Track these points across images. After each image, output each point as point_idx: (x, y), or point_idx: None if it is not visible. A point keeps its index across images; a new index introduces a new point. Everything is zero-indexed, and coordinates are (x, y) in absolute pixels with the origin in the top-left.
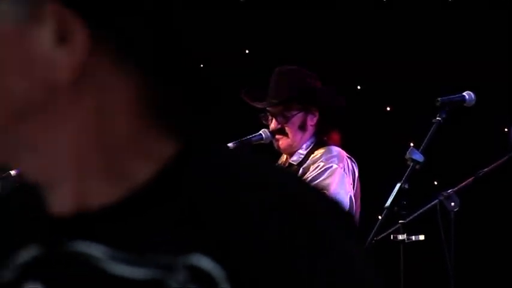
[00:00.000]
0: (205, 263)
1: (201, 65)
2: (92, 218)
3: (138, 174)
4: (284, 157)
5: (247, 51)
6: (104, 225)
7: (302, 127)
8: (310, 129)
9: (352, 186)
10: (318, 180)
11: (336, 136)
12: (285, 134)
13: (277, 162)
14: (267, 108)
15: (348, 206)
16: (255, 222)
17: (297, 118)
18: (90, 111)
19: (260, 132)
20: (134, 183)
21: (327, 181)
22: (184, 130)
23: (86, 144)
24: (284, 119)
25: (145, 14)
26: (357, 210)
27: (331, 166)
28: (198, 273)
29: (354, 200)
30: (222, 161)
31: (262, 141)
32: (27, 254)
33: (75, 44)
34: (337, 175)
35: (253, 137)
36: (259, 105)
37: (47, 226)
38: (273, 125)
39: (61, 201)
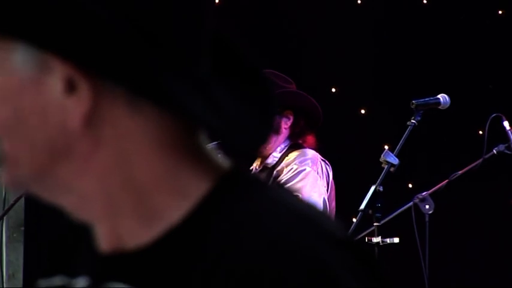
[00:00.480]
0: None
1: None
2: (126, 258)
3: (171, 213)
4: (259, 161)
5: None
6: (137, 267)
7: (276, 130)
8: (284, 132)
9: (326, 188)
10: (291, 183)
11: (311, 139)
12: None
13: (251, 165)
14: None
15: (322, 208)
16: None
17: None
18: (110, 155)
19: None
20: (168, 222)
21: (300, 184)
22: (215, 166)
23: (113, 186)
24: None
25: (147, 58)
26: (331, 213)
27: (305, 169)
28: None
29: (327, 203)
30: (249, 209)
31: None
32: (80, 283)
33: (81, 92)
34: (310, 178)
35: None
36: None
37: (95, 261)
38: None
39: (102, 238)
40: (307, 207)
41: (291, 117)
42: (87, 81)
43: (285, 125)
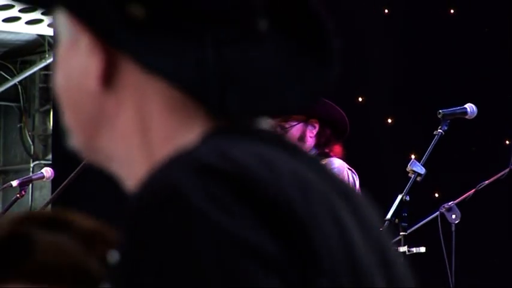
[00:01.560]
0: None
1: None
2: None
3: None
4: None
5: None
6: None
7: (301, 138)
8: (310, 141)
9: None
10: None
11: (338, 149)
12: None
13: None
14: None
15: None
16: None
17: (296, 129)
18: (131, 118)
19: None
20: None
21: None
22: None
23: (133, 147)
24: (283, 131)
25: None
26: None
27: None
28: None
29: None
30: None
31: None
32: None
33: (96, 55)
34: None
35: None
36: None
37: None
38: None
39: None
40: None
41: (317, 126)
42: (100, 44)
43: (310, 133)
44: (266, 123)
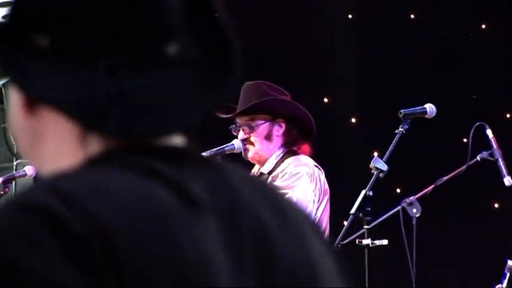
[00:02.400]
0: None
1: None
2: None
3: None
4: (257, 167)
5: None
6: None
7: (268, 137)
8: (277, 140)
9: (316, 192)
10: (285, 184)
11: (306, 147)
12: (252, 144)
13: (250, 172)
14: (236, 120)
15: (308, 209)
16: None
17: (263, 128)
18: (51, 139)
19: (232, 142)
20: None
21: (292, 185)
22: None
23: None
24: (250, 129)
25: None
26: (324, 214)
27: (298, 172)
28: None
29: (315, 205)
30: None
31: (235, 151)
32: None
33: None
34: (301, 180)
35: (225, 146)
36: (224, 116)
37: None
38: (241, 135)
39: None
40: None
41: (283, 126)
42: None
43: (277, 132)
44: (178, 140)
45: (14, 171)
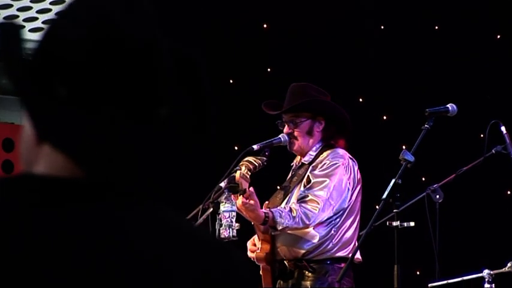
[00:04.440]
0: None
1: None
2: None
3: None
4: (298, 158)
5: (269, 70)
6: None
7: (309, 132)
8: (317, 135)
9: (350, 181)
10: (324, 173)
11: (342, 142)
12: (295, 138)
13: (292, 161)
14: (282, 116)
15: (344, 197)
16: None
17: (305, 125)
18: None
19: (279, 136)
20: None
21: (330, 173)
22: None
23: None
24: (293, 125)
25: None
26: (357, 201)
27: (336, 163)
28: None
29: (349, 193)
30: None
31: (281, 144)
32: None
33: None
34: (339, 170)
35: (273, 140)
36: (272, 113)
37: None
38: (285, 130)
39: None
40: None
41: (323, 123)
42: None
43: (317, 128)
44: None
45: None
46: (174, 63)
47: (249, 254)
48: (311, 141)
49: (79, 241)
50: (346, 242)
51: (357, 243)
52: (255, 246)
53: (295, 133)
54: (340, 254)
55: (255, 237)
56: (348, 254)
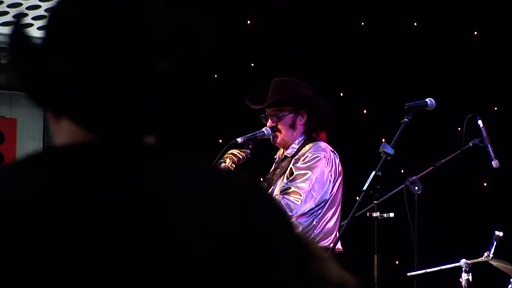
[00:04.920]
0: None
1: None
2: None
3: None
4: (281, 151)
5: (252, 65)
6: None
7: (292, 126)
8: (299, 128)
9: (332, 174)
10: (306, 165)
11: (323, 134)
12: (279, 131)
13: (276, 154)
14: (265, 110)
15: (325, 189)
16: None
17: (288, 118)
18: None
19: (263, 129)
20: None
21: (312, 166)
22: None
23: None
24: (277, 119)
25: None
26: (338, 192)
27: (317, 156)
28: None
29: (331, 185)
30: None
31: (265, 137)
32: None
33: None
34: (320, 163)
35: (257, 133)
36: (255, 107)
37: None
38: (269, 123)
39: None
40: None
41: (305, 116)
42: None
43: (300, 121)
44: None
45: None
46: (173, 24)
47: None
48: (294, 134)
49: (109, 199)
50: (327, 232)
51: (338, 234)
52: None
53: (279, 126)
54: (321, 243)
55: None
56: (330, 244)
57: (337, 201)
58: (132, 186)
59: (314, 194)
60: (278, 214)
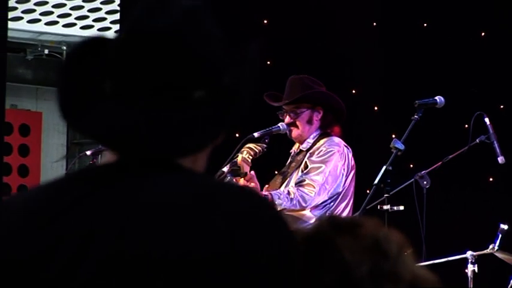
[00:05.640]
0: None
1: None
2: None
3: None
4: (296, 145)
5: (268, 63)
6: None
7: (309, 121)
8: (316, 124)
9: (345, 167)
10: (320, 159)
11: (337, 130)
12: (296, 127)
13: (291, 148)
14: (283, 107)
15: (338, 182)
16: None
17: (305, 114)
18: None
19: (278, 124)
20: None
21: (326, 160)
22: None
23: None
24: (295, 115)
25: None
26: (350, 186)
27: (331, 150)
28: None
29: (344, 178)
30: None
31: (280, 132)
32: None
33: None
34: (334, 157)
35: (273, 128)
36: (275, 104)
37: None
38: (287, 119)
39: None
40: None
41: (321, 112)
42: None
43: (316, 117)
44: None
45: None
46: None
47: None
48: (310, 129)
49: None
50: None
51: None
52: None
53: (297, 122)
54: None
55: None
56: None
57: (350, 194)
58: (97, 208)
59: (327, 187)
60: (276, 235)
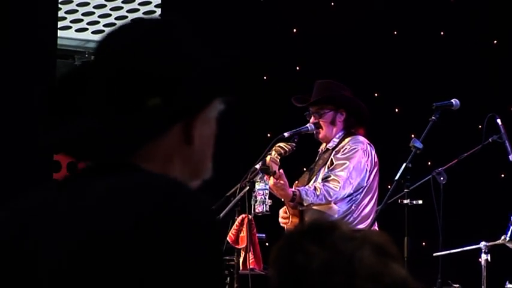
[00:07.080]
0: None
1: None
2: None
3: None
4: (324, 144)
5: (297, 68)
6: None
7: (332, 122)
8: (339, 125)
9: (368, 164)
10: (345, 156)
11: (362, 131)
12: (320, 127)
13: (319, 147)
14: (309, 108)
15: (362, 176)
16: None
17: (328, 115)
18: None
19: (307, 125)
20: None
21: (351, 157)
22: None
23: None
24: (319, 116)
25: None
26: (374, 181)
27: (355, 148)
28: None
29: (367, 173)
30: None
31: (308, 132)
32: None
33: None
34: (358, 154)
35: (302, 128)
36: (300, 105)
37: None
38: (312, 120)
39: None
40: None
41: (344, 114)
42: None
43: (339, 119)
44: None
45: None
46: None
47: (281, 220)
48: (334, 130)
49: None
50: (364, 216)
51: (374, 218)
52: (286, 214)
53: (321, 122)
54: (360, 226)
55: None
56: (367, 226)
57: (374, 188)
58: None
59: (352, 181)
60: (178, 228)
